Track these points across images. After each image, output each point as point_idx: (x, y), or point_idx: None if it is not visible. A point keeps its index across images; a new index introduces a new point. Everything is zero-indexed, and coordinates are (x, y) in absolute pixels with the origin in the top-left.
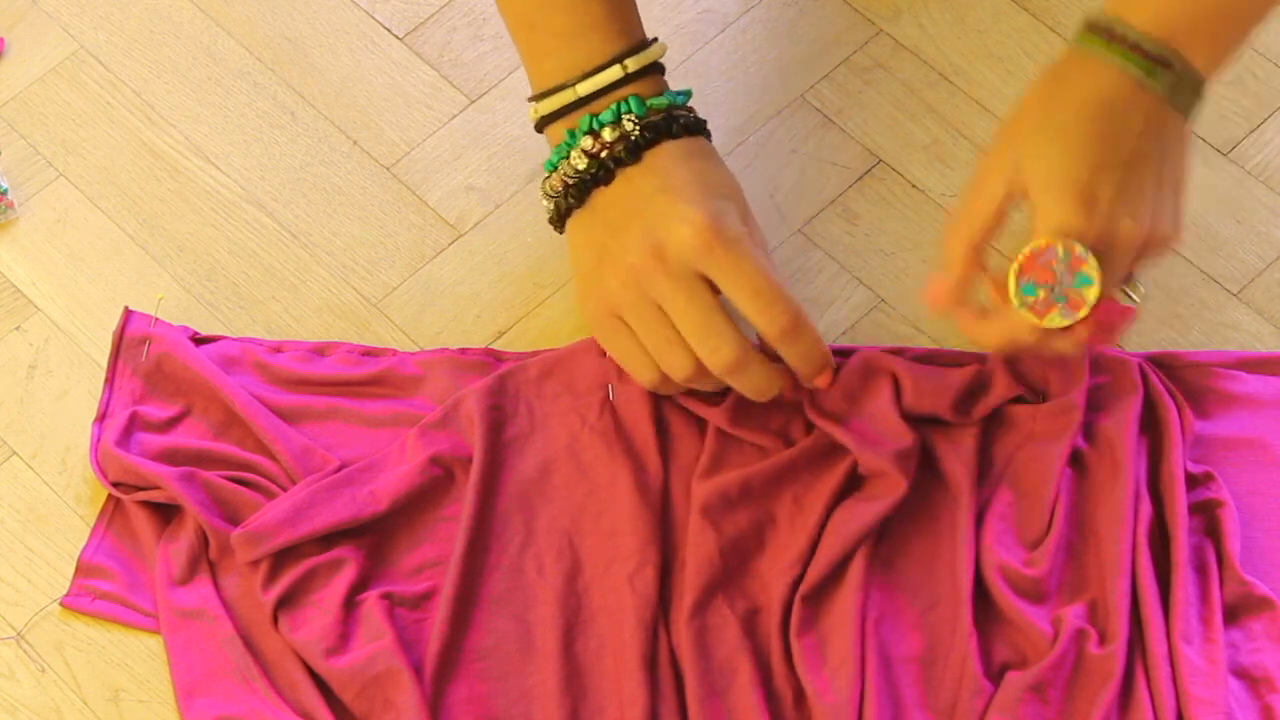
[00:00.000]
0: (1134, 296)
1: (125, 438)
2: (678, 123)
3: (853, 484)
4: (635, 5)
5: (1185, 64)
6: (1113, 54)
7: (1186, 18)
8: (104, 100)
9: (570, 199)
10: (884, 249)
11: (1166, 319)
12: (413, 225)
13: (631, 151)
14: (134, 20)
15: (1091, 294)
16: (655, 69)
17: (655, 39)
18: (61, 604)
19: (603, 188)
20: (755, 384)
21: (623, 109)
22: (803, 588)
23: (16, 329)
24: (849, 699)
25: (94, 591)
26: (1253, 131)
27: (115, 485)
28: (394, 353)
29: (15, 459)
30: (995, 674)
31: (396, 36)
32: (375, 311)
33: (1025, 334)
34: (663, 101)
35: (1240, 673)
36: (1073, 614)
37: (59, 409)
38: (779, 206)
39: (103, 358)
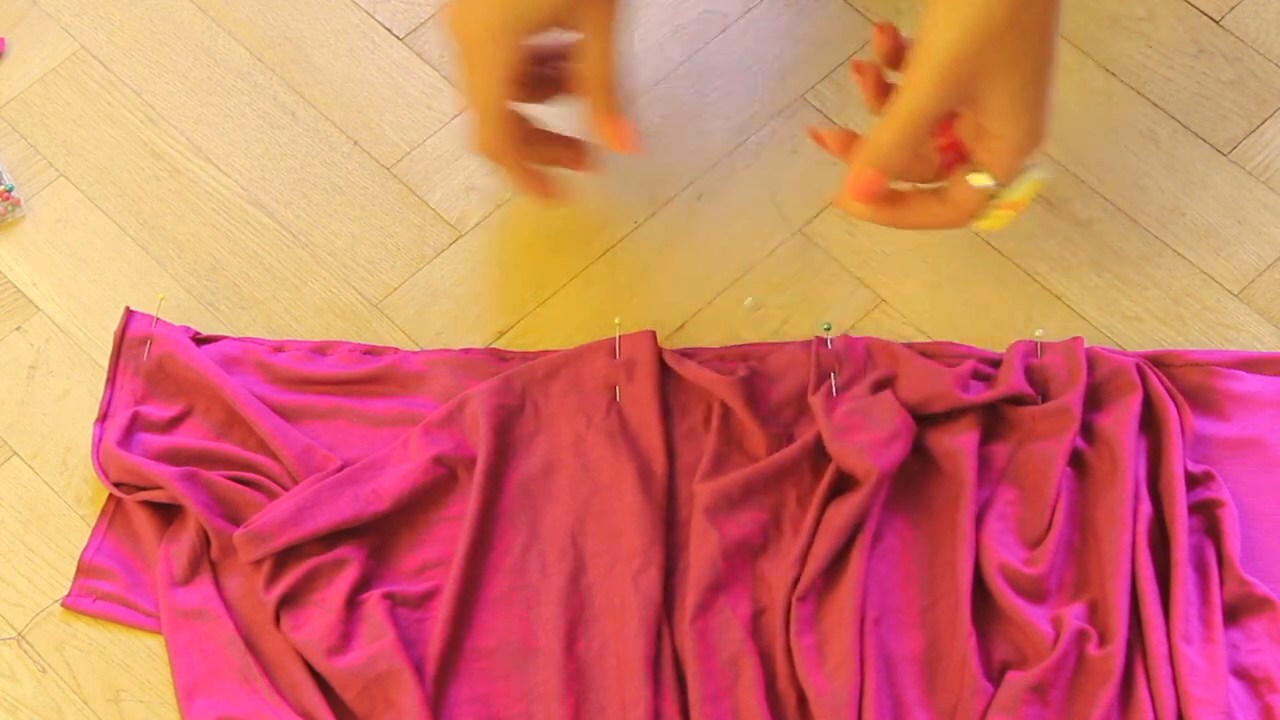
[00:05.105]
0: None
1: (127, 438)
2: None
3: (852, 482)
4: None
5: None
6: None
7: None
8: (105, 100)
9: None
10: (884, 249)
11: (1166, 319)
12: (413, 225)
13: None
14: (135, 20)
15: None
16: None
17: None
18: (63, 604)
19: None
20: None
21: None
22: (798, 588)
23: (17, 329)
24: (848, 699)
25: (95, 592)
26: (1253, 132)
27: (117, 485)
28: (396, 351)
29: (16, 459)
30: (995, 674)
31: (397, 37)
32: (376, 311)
33: (967, 207)
34: None
35: (1240, 673)
36: (1073, 614)
37: (60, 409)
38: (779, 206)
39: (103, 358)
